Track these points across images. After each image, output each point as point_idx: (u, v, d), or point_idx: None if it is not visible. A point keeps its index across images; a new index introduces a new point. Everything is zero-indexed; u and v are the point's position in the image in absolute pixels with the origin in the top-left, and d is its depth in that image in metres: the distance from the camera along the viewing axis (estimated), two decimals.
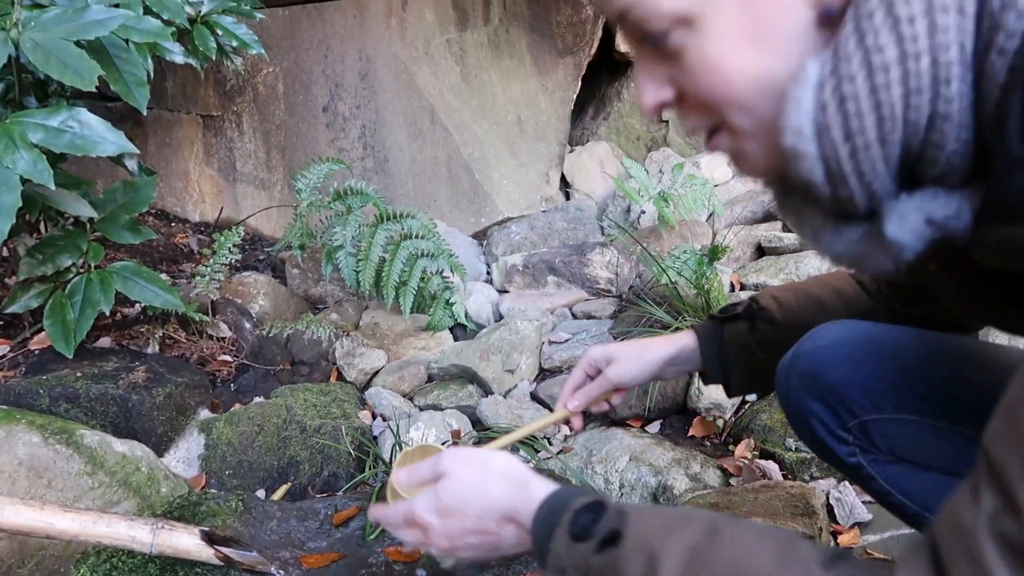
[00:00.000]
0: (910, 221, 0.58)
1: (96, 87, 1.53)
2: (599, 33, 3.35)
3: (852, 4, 0.54)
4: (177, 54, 2.09)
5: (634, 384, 1.11)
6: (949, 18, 0.50)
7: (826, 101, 0.55)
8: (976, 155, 0.55)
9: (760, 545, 0.61)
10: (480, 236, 3.16)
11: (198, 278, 2.15)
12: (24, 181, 1.43)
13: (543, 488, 0.75)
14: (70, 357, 1.73)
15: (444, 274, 2.47)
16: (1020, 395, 0.49)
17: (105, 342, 1.96)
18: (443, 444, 1.76)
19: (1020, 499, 0.46)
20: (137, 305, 2.14)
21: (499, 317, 2.59)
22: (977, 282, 0.69)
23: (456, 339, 2.45)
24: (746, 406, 1.94)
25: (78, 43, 1.55)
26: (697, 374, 1.15)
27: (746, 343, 1.06)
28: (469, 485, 0.77)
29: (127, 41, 1.72)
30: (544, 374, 2.24)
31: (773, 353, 1.01)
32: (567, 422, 1.15)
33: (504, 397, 2.11)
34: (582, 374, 1.12)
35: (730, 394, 1.13)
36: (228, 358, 2.11)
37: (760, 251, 2.82)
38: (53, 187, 1.46)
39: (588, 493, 0.73)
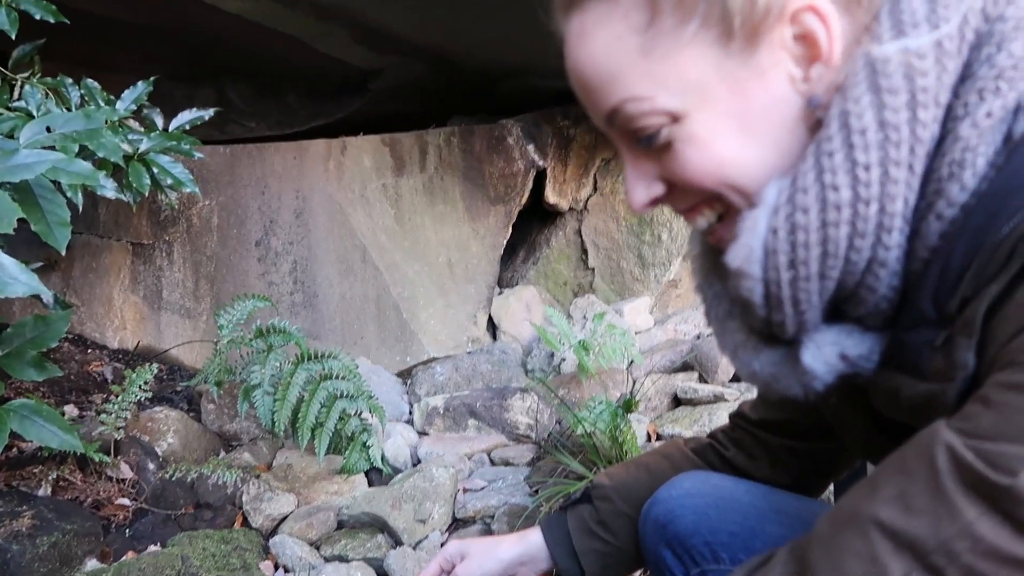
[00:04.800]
0: (825, 352, 0.59)
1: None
2: (530, 184, 3.54)
3: (814, 143, 0.56)
4: (109, 190, 2.12)
5: None
6: (900, 172, 0.54)
7: (778, 226, 0.57)
8: (899, 303, 0.58)
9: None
10: (406, 375, 3.17)
11: (104, 415, 2.09)
12: None
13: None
14: None
15: (362, 415, 2.45)
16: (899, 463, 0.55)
17: None
18: None
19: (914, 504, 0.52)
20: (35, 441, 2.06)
21: (417, 460, 2.57)
22: (871, 422, 0.71)
23: (371, 483, 2.41)
24: None
25: (1, 185, 1.57)
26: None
27: (588, 527, 1.07)
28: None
29: (55, 182, 1.75)
30: (457, 524, 2.20)
31: (616, 531, 1.04)
32: None
33: (414, 549, 2.05)
34: (437, 568, 1.15)
35: None
36: (126, 501, 2.02)
37: (677, 401, 2.89)
38: None
39: None
